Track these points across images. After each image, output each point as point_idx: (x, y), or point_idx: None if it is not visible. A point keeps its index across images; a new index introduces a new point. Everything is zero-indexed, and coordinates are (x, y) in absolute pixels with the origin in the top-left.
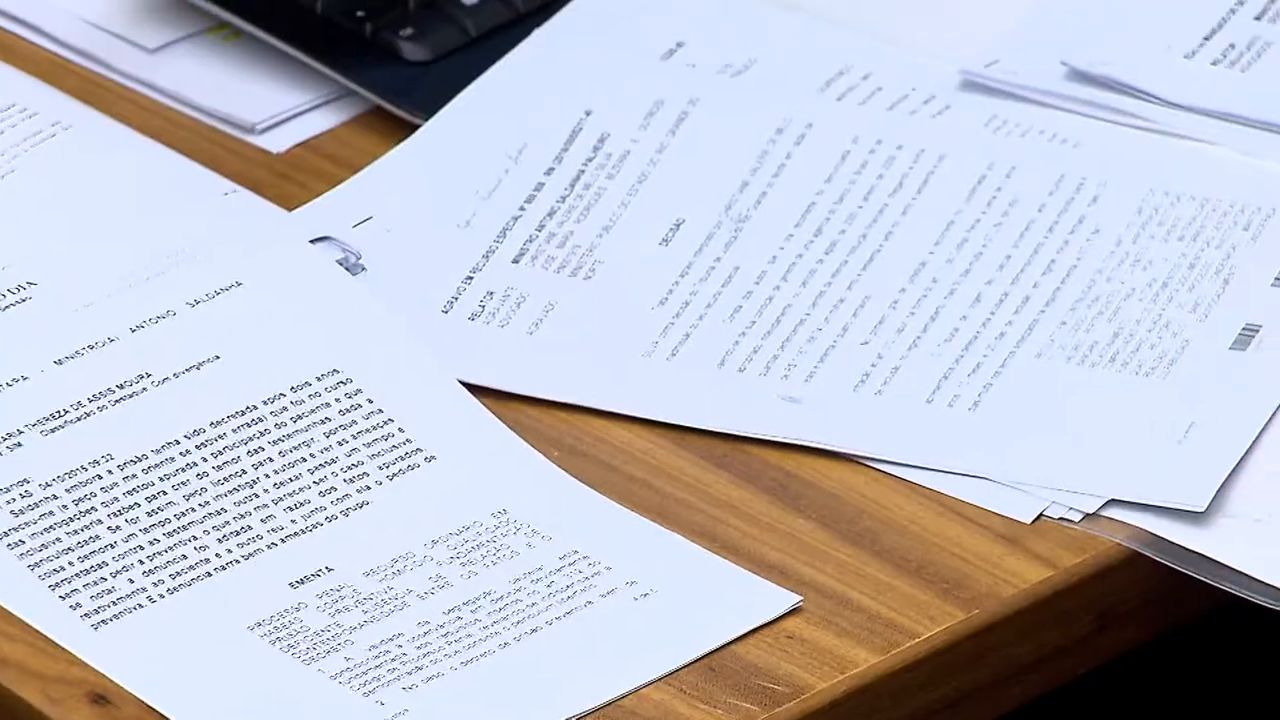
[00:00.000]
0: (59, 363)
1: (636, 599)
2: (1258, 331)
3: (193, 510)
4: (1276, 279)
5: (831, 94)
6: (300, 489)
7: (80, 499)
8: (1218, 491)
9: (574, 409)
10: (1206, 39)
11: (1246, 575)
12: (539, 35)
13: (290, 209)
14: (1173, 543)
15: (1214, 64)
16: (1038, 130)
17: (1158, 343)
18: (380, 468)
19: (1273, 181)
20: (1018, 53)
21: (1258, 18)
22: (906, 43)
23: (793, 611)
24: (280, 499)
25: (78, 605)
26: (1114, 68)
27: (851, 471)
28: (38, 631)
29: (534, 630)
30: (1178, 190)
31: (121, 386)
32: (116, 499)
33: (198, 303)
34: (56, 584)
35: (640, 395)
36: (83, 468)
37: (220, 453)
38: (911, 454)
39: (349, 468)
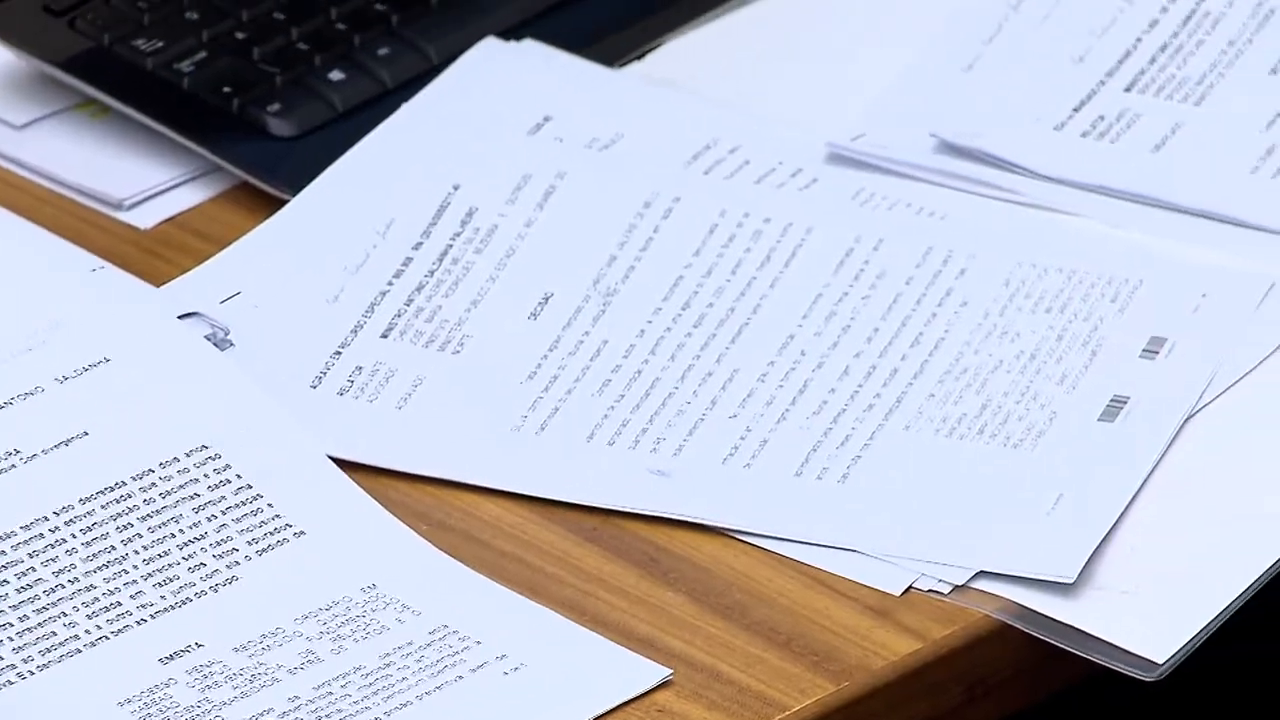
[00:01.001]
0: None
1: (507, 673)
2: (1126, 403)
3: (62, 586)
4: (1144, 350)
5: (699, 167)
6: (170, 565)
7: None
8: (1086, 563)
9: (443, 483)
10: (1076, 110)
11: (1115, 646)
12: (406, 110)
13: (158, 285)
14: (1042, 614)
15: (1084, 135)
16: (905, 203)
17: (1026, 414)
18: (249, 543)
19: (1139, 253)
20: (884, 126)
21: (1127, 89)
22: (773, 116)
23: (663, 685)
24: (150, 575)
25: None
26: (984, 140)
27: (721, 544)
28: None
29: (404, 705)
30: (1045, 262)
31: None
32: None
33: (66, 379)
34: None
35: (509, 469)
36: None
37: (89, 529)
38: (781, 527)
39: (218, 543)
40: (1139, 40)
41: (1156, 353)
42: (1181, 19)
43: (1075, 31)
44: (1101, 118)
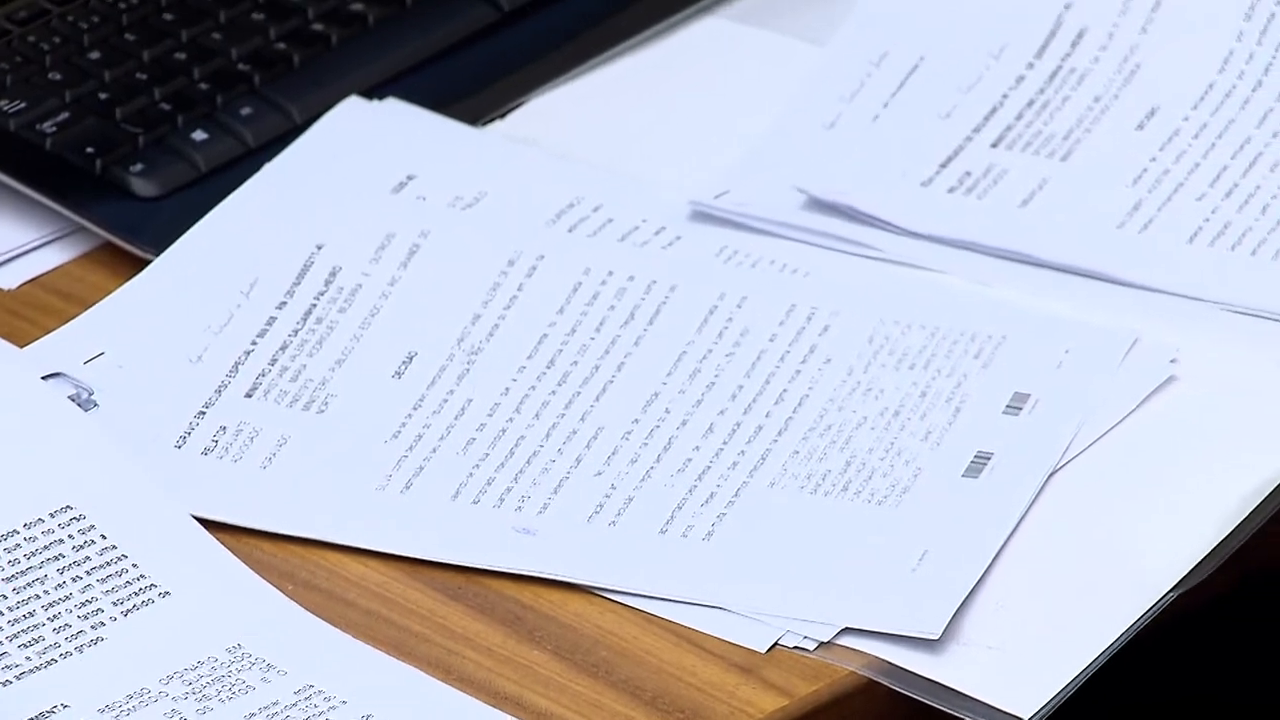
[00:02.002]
0: None
1: None
2: (990, 459)
3: None
4: (1008, 406)
5: (563, 226)
6: (35, 626)
7: None
8: (952, 619)
9: (308, 543)
10: (943, 166)
11: (981, 702)
12: (269, 169)
13: (21, 346)
14: (908, 670)
15: (951, 191)
16: (768, 260)
17: (890, 471)
18: (114, 604)
19: (1003, 309)
20: (747, 183)
21: (994, 145)
22: (636, 174)
23: None
24: (14, 636)
25: None
26: (851, 196)
27: (586, 602)
28: None
29: None
30: (908, 319)
31: None
32: None
33: None
34: None
35: (374, 528)
36: None
37: None
38: (646, 584)
39: (83, 604)
40: (1005, 96)
41: (1020, 409)
42: (1047, 75)
43: (942, 88)
44: (968, 173)
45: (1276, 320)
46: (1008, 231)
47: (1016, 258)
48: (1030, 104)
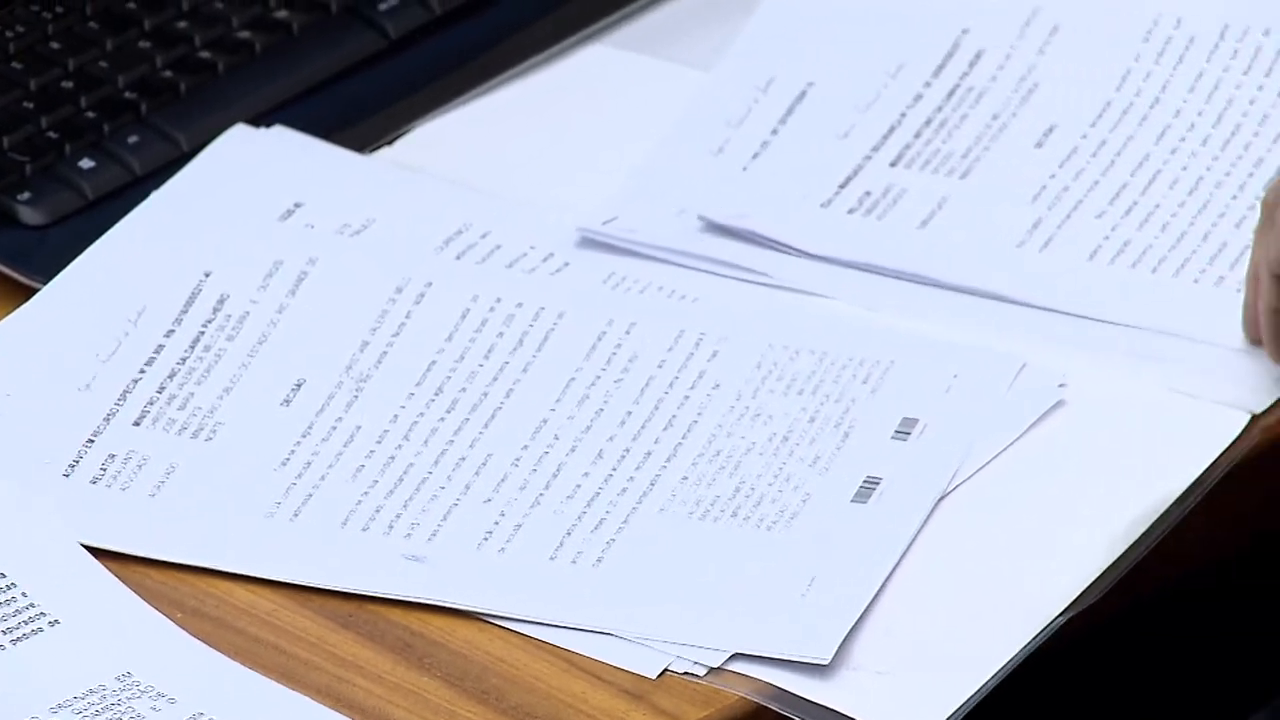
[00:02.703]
0: None
1: None
2: (878, 484)
3: None
4: (896, 431)
5: (450, 252)
6: None
7: None
8: (841, 644)
9: (197, 570)
10: (842, 187)
11: None
12: (157, 197)
13: None
14: (798, 695)
15: (850, 212)
16: (656, 286)
17: (779, 496)
18: (3, 632)
19: (891, 334)
20: (635, 209)
21: (893, 164)
22: (524, 201)
23: None
24: None
25: None
26: (750, 220)
27: (477, 629)
28: None
29: None
30: (797, 344)
31: None
32: None
33: None
34: None
35: (263, 555)
36: None
37: None
38: (536, 610)
39: None
40: (903, 115)
41: (909, 434)
42: (945, 93)
43: (838, 108)
44: (868, 193)
45: (1176, 338)
46: (908, 253)
47: (917, 279)
48: (928, 122)
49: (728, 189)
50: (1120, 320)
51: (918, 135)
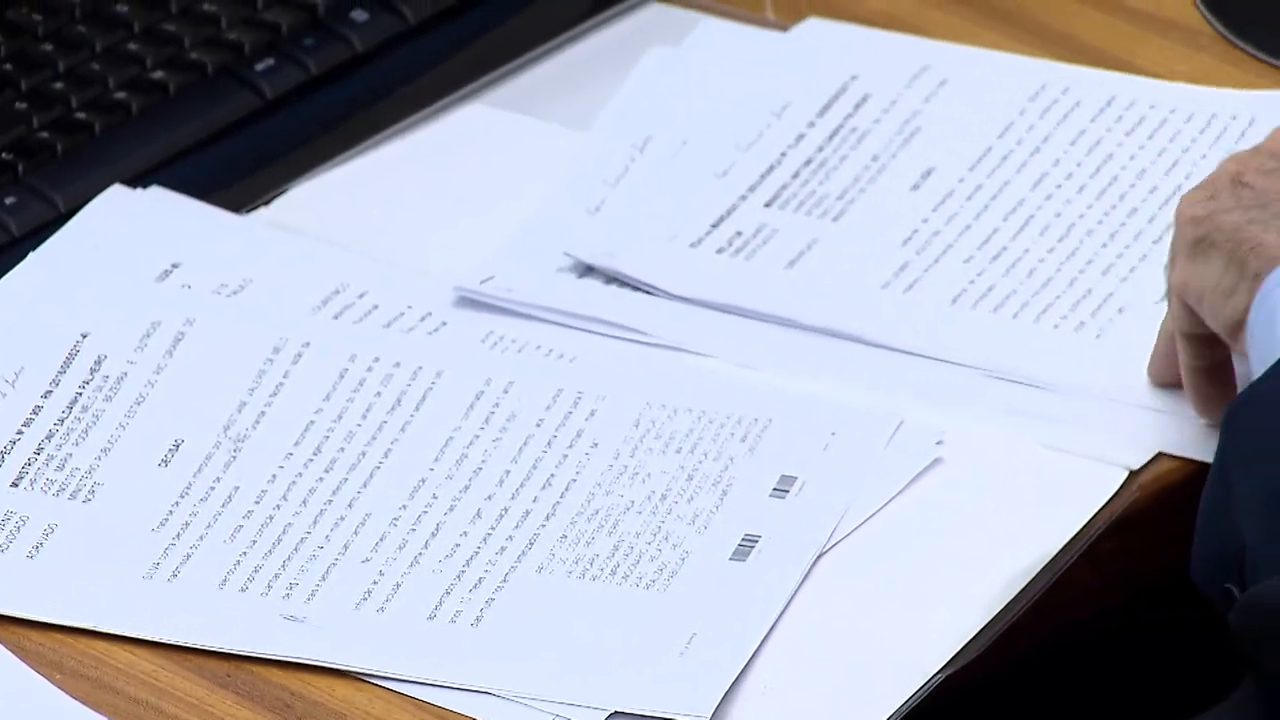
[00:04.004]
0: None
1: None
2: (757, 542)
3: None
4: (775, 490)
5: (328, 312)
6: None
7: None
8: (720, 702)
9: (76, 631)
10: (714, 226)
11: None
12: (33, 258)
13: None
14: None
15: (719, 252)
16: (534, 345)
17: (658, 555)
18: None
19: (768, 393)
20: (512, 268)
21: (768, 204)
22: (401, 261)
23: None
24: None
25: None
26: (616, 259)
27: (355, 689)
28: None
29: None
30: (675, 403)
31: None
32: None
33: None
34: None
35: (142, 616)
36: None
37: None
38: (415, 669)
39: None
40: (784, 155)
41: (787, 491)
42: (828, 134)
43: (721, 147)
44: (739, 233)
45: (1052, 392)
46: (771, 294)
47: (780, 321)
48: (808, 162)
49: (605, 234)
50: (981, 367)
51: (795, 175)
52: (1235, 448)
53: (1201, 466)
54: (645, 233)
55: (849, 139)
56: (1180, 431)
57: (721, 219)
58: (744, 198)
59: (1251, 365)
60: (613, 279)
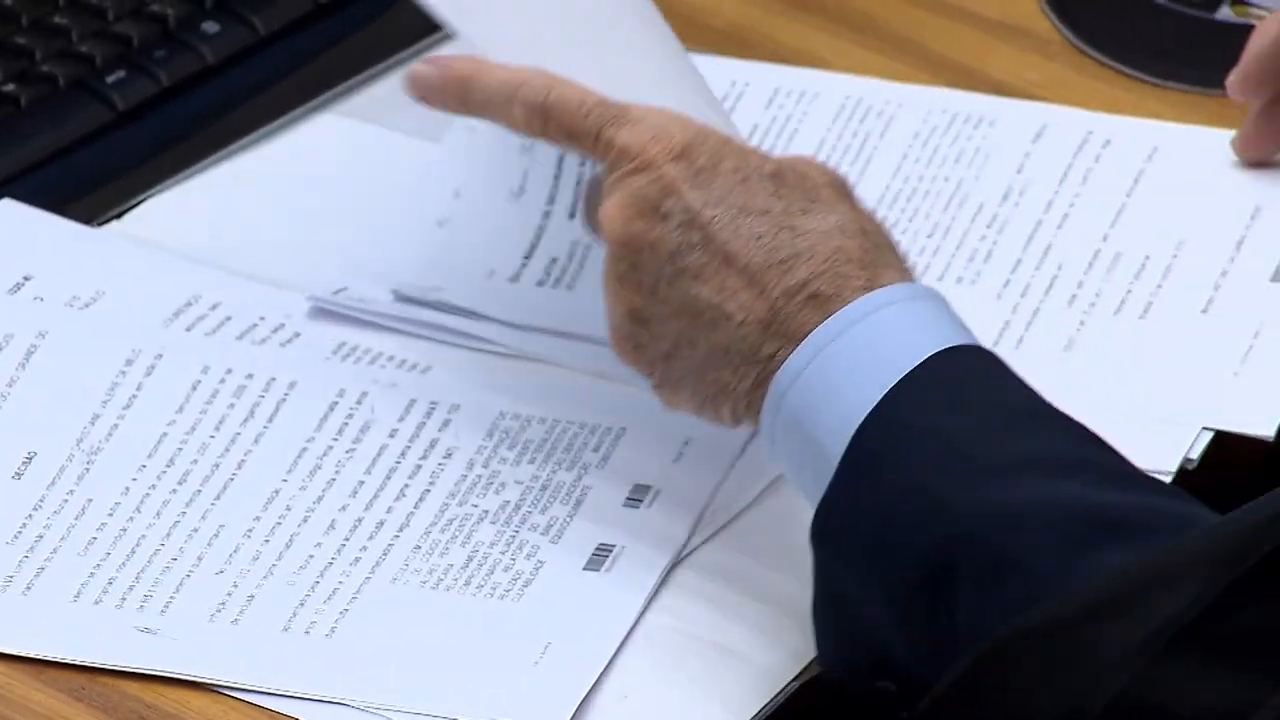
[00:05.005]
0: None
1: None
2: (611, 551)
3: None
4: (628, 499)
5: (181, 324)
6: None
7: None
8: (576, 710)
9: None
10: (527, 258)
11: None
12: None
13: None
14: None
15: (540, 284)
16: (387, 355)
17: (512, 565)
18: None
19: (620, 402)
20: (364, 279)
21: (572, 215)
22: (254, 272)
23: None
24: None
25: None
26: (445, 293)
27: (211, 700)
28: None
29: None
30: (528, 413)
31: None
32: None
33: None
34: None
35: None
36: None
37: None
38: (270, 681)
39: None
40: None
41: (640, 501)
42: None
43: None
44: (554, 260)
45: None
46: (594, 319)
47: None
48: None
49: (438, 260)
50: None
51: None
52: (836, 556)
53: None
54: (466, 268)
55: None
56: None
57: (532, 248)
58: (547, 214)
59: (792, 473)
60: None
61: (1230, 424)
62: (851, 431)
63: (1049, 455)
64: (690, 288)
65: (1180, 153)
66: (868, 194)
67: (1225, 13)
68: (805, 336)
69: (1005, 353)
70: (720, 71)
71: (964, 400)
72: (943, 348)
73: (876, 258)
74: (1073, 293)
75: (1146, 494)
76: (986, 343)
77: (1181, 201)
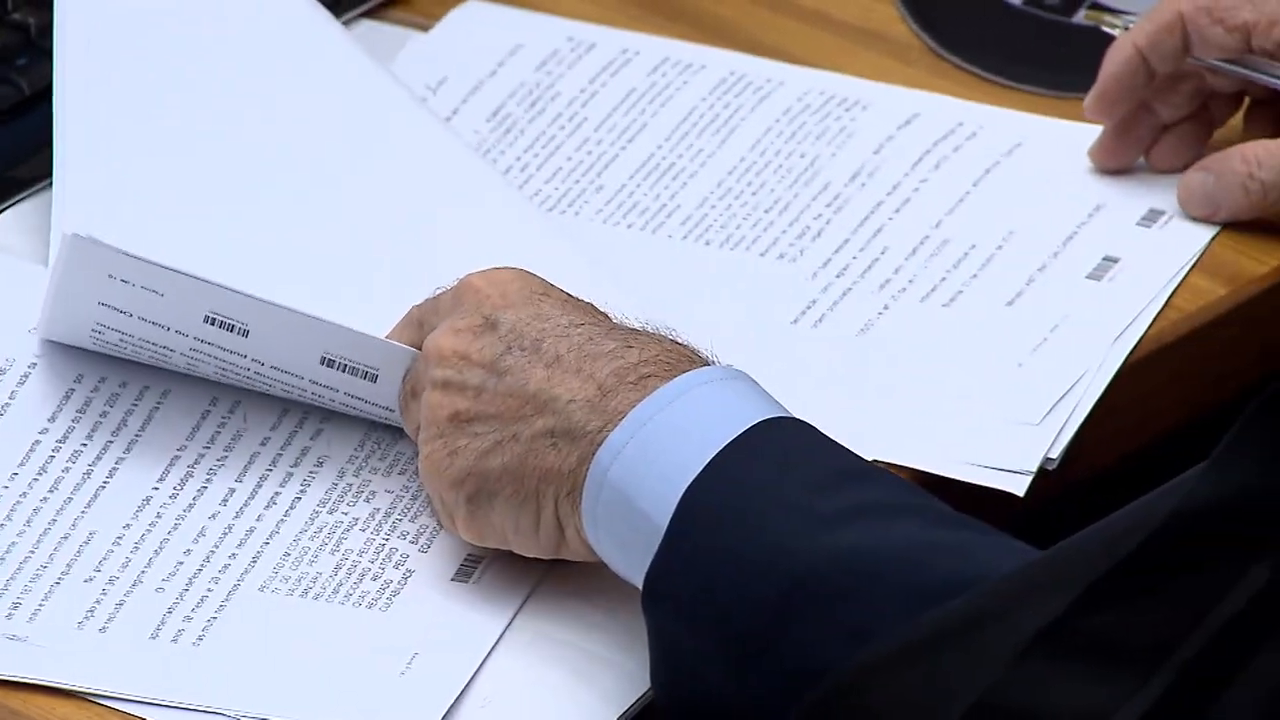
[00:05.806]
0: None
1: None
2: (480, 562)
3: None
4: None
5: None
6: None
7: None
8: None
9: None
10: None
11: None
12: None
13: None
14: None
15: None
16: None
17: (380, 573)
18: None
19: None
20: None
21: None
22: None
23: None
24: None
25: None
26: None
27: (77, 707)
28: None
29: None
30: (398, 417)
31: None
32: None
33: None
34: None
35: None
36: None
37: None
38: (137, 689)
39: None
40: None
41: None
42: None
43: None
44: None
45: None
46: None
47: None
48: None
49: None
50: None
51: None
52: (674, 616)
53: None
54: None
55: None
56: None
57: None
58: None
59: (616, 553)
60: None
61: (1006, 416)
62: (678, 496)
63: (883, 502)
64: (518, 380)
65: (1043, 147)
66: (720, 165)
67: (1080, 17)
68: (626, 414)
69: (802, 332)
70: (610, 40)
71: (791, 462)
72: (764, 418)
73: (689, 354)
74: (887, 277)
75: (985, 533)
76: (785, 320)
77: (1025, 194)
